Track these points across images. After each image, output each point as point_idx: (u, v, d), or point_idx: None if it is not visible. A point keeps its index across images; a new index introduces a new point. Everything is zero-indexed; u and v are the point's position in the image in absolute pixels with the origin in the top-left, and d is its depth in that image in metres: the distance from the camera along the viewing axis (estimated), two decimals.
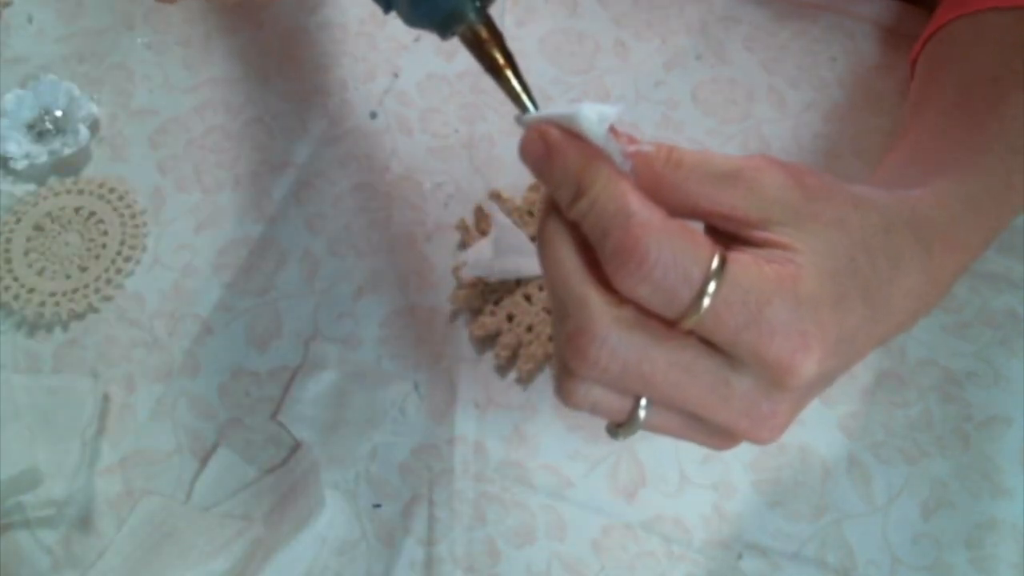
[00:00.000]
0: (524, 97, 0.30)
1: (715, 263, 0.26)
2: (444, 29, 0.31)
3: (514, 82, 0.30)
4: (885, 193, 0.31)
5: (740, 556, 0.41)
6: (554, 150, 0.27)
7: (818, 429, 0.43)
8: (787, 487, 0.42)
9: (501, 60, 0.30)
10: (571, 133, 0.27)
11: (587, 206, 0.26)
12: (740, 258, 0.26)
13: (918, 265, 0.30)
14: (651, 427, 0.29)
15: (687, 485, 0.42)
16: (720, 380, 0.27)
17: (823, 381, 0.29)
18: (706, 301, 0.25)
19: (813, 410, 0.43)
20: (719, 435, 0.29)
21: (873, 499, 0.42)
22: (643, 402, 0.28)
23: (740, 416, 0.28)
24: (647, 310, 0.26)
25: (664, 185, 0.27)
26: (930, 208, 0.32)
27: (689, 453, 0.43)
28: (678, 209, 0.27)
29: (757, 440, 0.29)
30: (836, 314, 0.27)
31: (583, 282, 0.27)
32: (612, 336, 0.26)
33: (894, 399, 0.44)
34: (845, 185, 0.29)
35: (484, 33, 0.30)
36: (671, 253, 0.25)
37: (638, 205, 0.26)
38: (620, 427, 0.29)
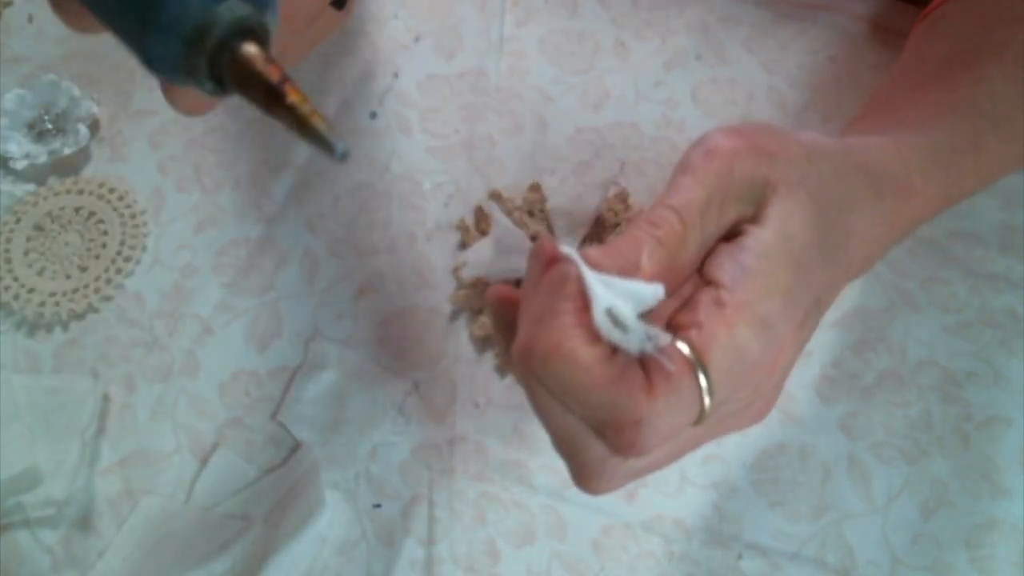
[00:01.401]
0: (320, 125, 0.23)
1: (702, 380, 0.27)
2: (194, 63, 0.23)
3: (303, 108, 0.24)
4: (837, 141, 0.32)
5: (740, 556, 0.41)
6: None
7: (818, 429, 0.43)
8: (787, 487, 0.42)
9: (281, 83, 0.23)
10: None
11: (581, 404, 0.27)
12: (709, 345, 0.27)
13: (870, 209, 0.31)
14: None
15: (687, 485, 0.42)
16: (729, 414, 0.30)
17: (799, 348, 0.31)
18: (707, 402, 0.27)
19: (813, 410, 0.44)
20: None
21: (873, 499, 0.42)
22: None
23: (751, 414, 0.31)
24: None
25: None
26: (885, 154, 0.33)
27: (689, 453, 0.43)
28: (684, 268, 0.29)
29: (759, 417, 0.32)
30: (799, 292, 0.28)
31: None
32: (662, 421, 0.26)
33: (894, 399, 0.44)
34: (797, 136, 0.30)
35: (258, 54, 0.23)
36: (662, 423, 0.26)
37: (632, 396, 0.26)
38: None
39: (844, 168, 0.31)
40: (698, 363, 0.26)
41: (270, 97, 0.23)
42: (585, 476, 0.29)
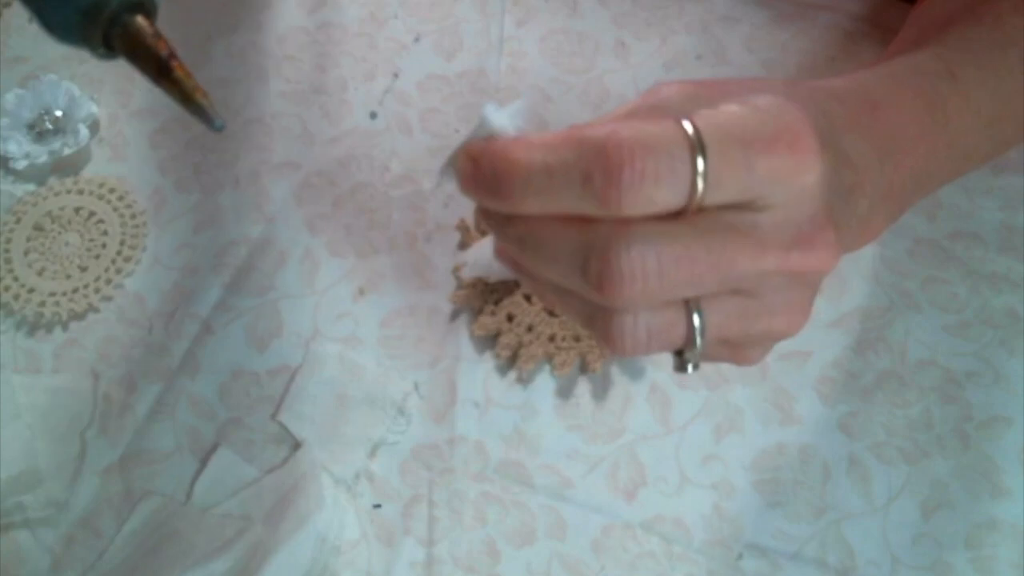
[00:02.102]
0: (203, 100, 0.27)
1: (689, 131, 0.24)
2: (89, 32, 0.26)
3: (188, 83, 0.27)
4: (799, 84, 0.31)
5: (740, 556, 0.41)
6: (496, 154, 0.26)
7: (818, 429, 0.43)
8: (787, 487, 0.42)
9: (169, 58, 0.27)
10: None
11: (556, 161, 0.25)
12: (705, 114, 0.25)
13: (852, 129, 0.30)
14: (714, 333, 0.27)
15: (687, 485, 0.42)
16: (750, 227, 0.26)
17: (831, 189, 0.27)
18: (701, 164, 0.24)
19: (813, 410, 0.44)
20: (783, 296, 0.28)
21: (873, 499, 0.42)
22: (696, 315, 0.27)
23: (788, 248, 0.26)
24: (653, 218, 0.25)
25: None
26: (848, 84, 0.33)
27: (689, 453, 0.43)
28: None
29: (821, 267, 0.27)
30: (808, 108, 0.26)
31: (581, 230, 0.26)
32: (632, 247, 0.25)
33: (894, 399, 0.44)
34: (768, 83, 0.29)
35: (147, 28, 0.26)
36: (645, 142, 0.24)
37: (597, 129, 0.25)
38: (684, 352, 0.27)
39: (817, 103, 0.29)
40: (692, 127, 0.24)
41: (159, 70, 0.27)
42: (602, 265, 0.25)
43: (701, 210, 0.25)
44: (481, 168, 0.26)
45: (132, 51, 0.27)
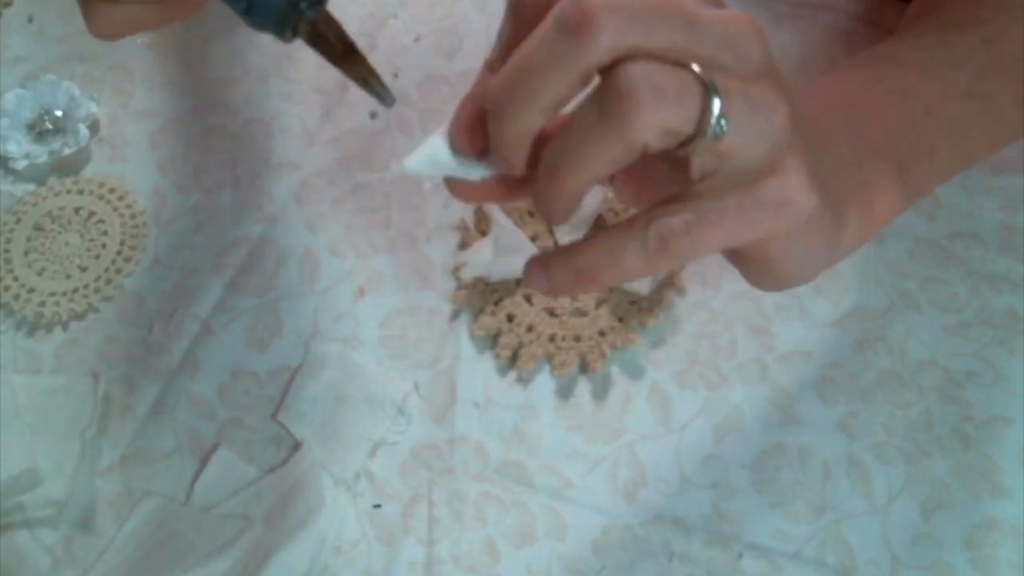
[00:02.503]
0: (378, 79, 0.33)
1: None
2: (282, 29, 0.31)
3: (367, 64, 0.32)
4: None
5: (740, 556, 0.41)
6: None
7: (818, 429, 0.43)
8: (787, 487, 0.42)
9: (345, 49, 0.31)
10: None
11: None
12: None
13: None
14: (731, 109, 0.25)
15: (687, 485, 0.42)
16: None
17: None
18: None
19: (813, 410, 0.44)
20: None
21: (873, 499, 0.42)
22: (713, 95, 0.25)
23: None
24: None
25: None
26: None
27: (689, 453, 0.43)
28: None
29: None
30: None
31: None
32: None
33: (894, 399, 0.44)
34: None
35: (322, 27, 0.31)
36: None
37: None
38: (698, 132, 0.25)
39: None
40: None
41: (345, 52, 0.32)
42: (618, 100, 0.25)
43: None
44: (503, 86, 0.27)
45: (320, 36, 0.31)
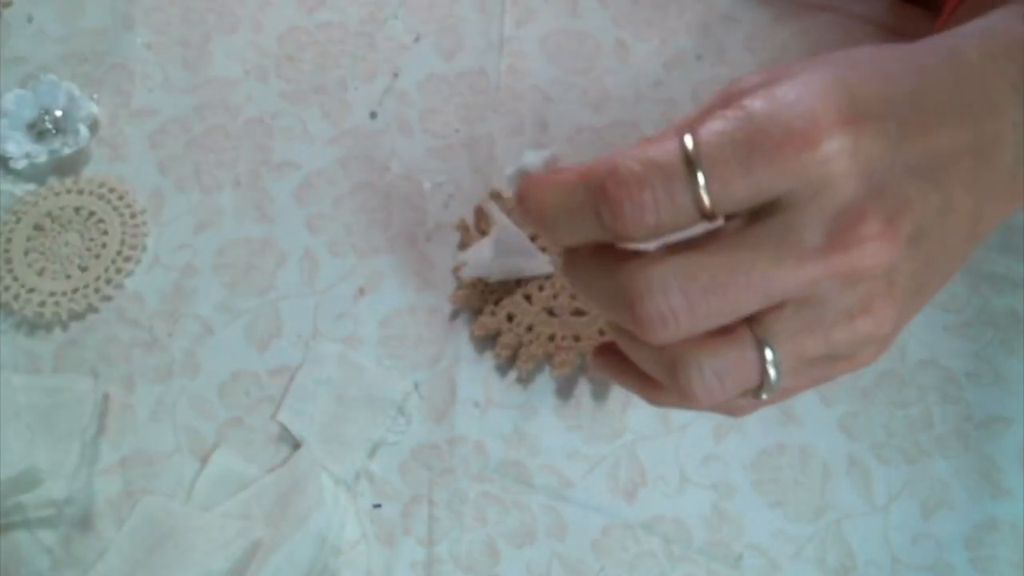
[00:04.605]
0: None
1: (688, 141, 0.24)
2: None
3: None
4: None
5: (740, 556, 0.41)
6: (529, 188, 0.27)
7: (818, 429, 0.43)
8: (787, 487, 0.42)
9: None
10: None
11: (568, 195, 0.25)
12: (709, 123, 0.24)
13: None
14: (789, 359, 0.25)
15: (687, 485, 0.42)
16: (781, 233, 0.24)
17: (886, 159, 0.24)
18: (701, 179, 0.23)
19: (813, 410, 0.44)
20: (850, 297, 0.25)
21: (873, 499, 0.42)
22: (767, 349, 0.25)
23: (825, 250, 0.24)
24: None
25: None
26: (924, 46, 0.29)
27: (689, 453, 0.43)
28: None
29: (872, 262, 0.24)
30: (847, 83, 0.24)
31: (613, 269, 0.26)
32: (654, 286, 0.24)
33: (894, 399, 0.44)
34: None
35: None
36: (640, 173, 0.24)
37: (601, 164, 0.24)
38: (761, 386, 0.26)
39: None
40: (691, 136, 0.23)
41: None
42: (677, 389, 0.26)
43: (731, 219, 0.24)
44: (525, 206, 0.27)
45: None
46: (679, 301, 0.24)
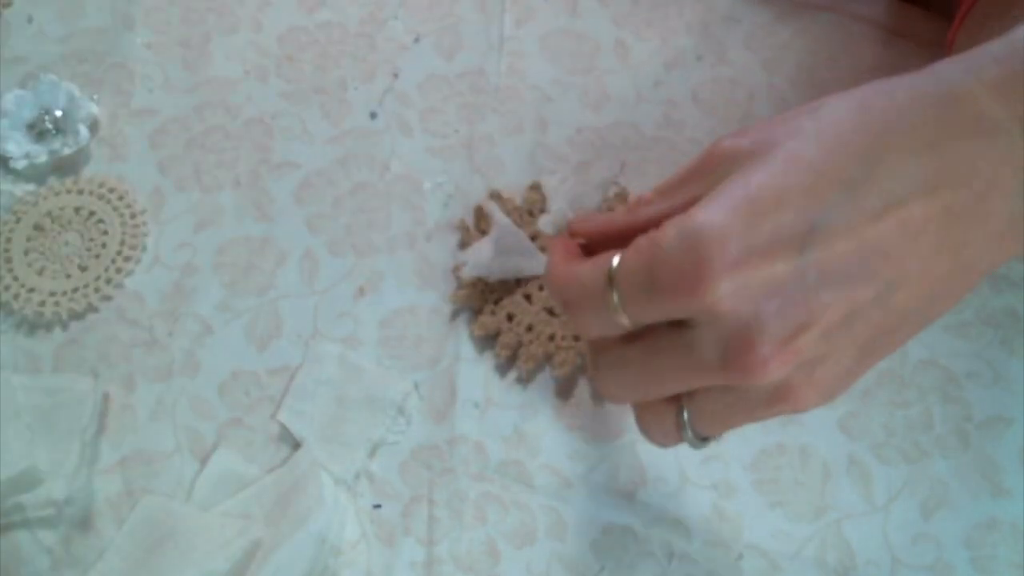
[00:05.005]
0: None
1: (613, 263, 0.29)
2: None
3: None
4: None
5: (740, 556, 0.41)
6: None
7: (818, 429, 0.43)
8: (787, 487, 0.42)
9: None
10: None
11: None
12: (626, 252, 0.29)
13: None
14: (702, 424, 0.31)
15: (687, 485, 0.42)
16: (687, 345, 0.28)
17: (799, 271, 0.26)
18: (616, 300, 0.28)
19: (813, 410, 0.43)
20: (756, 392, 0.28)
21: (873, 499, 0.42)
22: (684, 412, 0.31)
23: (721, 366, 0.27)
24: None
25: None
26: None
27: (689, 453, 0.43)
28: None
29: (759, 381, 0.27)
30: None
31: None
32: (600, 369, 0.32)
33: (894, 399, 0.44)
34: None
35: None
36: (580, 284, 0.30)
37: (565, 270, 0.31)
38: (700, 439, 0.32)
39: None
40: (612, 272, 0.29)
41: None
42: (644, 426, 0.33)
43: (651, 328, 0.29)
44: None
45: None
46: (612, 384, 0.31)
